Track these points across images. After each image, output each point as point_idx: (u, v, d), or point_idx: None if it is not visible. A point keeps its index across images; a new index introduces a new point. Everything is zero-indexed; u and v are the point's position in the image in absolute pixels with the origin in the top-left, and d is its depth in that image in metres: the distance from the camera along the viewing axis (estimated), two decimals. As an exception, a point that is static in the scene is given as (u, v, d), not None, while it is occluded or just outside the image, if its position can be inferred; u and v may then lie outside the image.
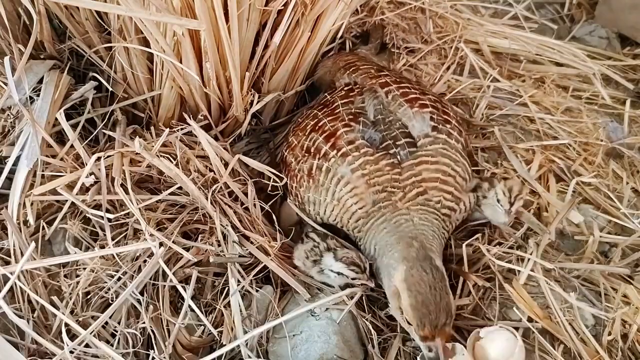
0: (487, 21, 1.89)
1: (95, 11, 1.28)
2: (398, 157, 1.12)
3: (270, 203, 1.27)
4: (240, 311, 1.08)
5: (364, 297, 1.15)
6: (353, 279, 1.11)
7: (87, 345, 1.01)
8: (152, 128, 1.35)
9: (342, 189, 1.13)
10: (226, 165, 1.24)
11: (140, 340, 1.08)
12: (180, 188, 1.21)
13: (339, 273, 1.11)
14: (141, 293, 1.09)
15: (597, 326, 1.15)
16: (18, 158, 1.17)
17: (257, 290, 1.14)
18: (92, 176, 1.15)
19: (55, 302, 1.07)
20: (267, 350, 1.10)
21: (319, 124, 1.21)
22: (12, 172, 1.17)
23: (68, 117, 1.24)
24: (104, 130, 1.30)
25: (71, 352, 0.98)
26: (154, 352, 1.04)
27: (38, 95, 1.23)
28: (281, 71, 1.37)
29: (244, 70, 1.28)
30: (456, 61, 1.71)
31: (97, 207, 1.14)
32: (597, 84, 1.72)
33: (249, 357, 1.05)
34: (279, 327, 1.09)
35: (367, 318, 1.13)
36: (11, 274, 1.02)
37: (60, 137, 1.26)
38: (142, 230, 1.12)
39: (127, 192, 1.15)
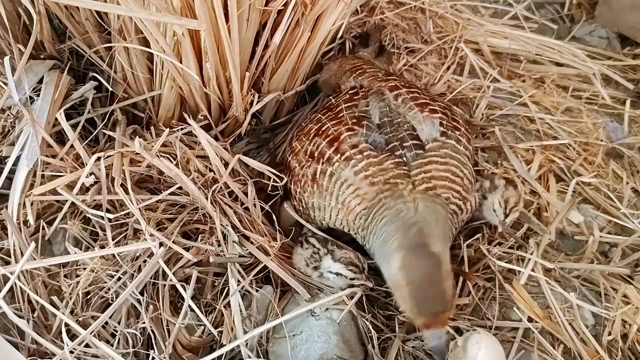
0: (487, 21, 1.89)
1: (95, 11, 1.28)
2: (404, 158, 1.10)
3: (270, 203, 1.27)
4: (240, 311, 1.08)
5: (364, 297, 1.15)
6: (352, 279, 1.11)
7: (87, 345, 1.01)
8: (152, 128, 1.35)
9: (345, 191, 1.11)
10: (226, 165, 1.24)
11: (140, 340, 1.08)
12: (180, 188, 1.21)
13: (337, 274, 1.11)
14: (141, 293, 1.09)
15: (597, 326, 1.15)
16: (18, 158, 1.17)
17: (257, 290, 1.14)
18: (92, 176, 1.15)
19: (55, 302, 1.07)
20: (267, 350, 1.10)
21: (323, 129, 1.20)
22: (12, 172, 1.17)
23: (68, 117, 1.24)
24: (104, 130, 1.30)
25: (71, 352, 0.98)
26: (154, 352, 1.04)
27: (38, 95, 1.23)
28: (281, 71, 1.37)
29: (244, 70, 1.28)
30: (456, 61, 1.71)
31: (97, 207, 1.14)
32: (597, 84, 1.72)
33: (249, 357, 1.05)
34: (279, 327, 1.09)
35: (367, 318, 1.13)
36: (11, 274, 1.02)
37: (60, 137, 1.26)
38: (142, 230, 1.12)
39: (127, 192, 1.15)
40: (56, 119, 1.20)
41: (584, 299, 1.17)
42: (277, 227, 1.24)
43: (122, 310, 1.08)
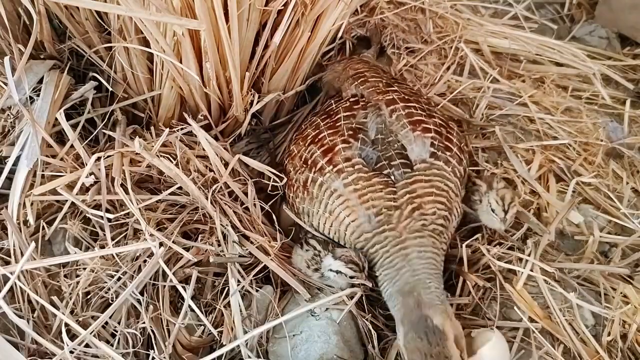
0: (487, 21, 1.89)
1: (95, 11, 1.28)
2: (392, 177, 1.13)
3: (270, 203, 1.27)
4: (240, 311, 1.08)
5: (364, 297, 1.15)
6: (351, 277, 1.11)
7: (87, 345, 1.01)
8: (152, 128, 1.35)
9: (335, 201, 1.14)
10: (226, 165, 1.24)
11: (140, 340, 1.08)
12: (180, 188, 1.21)
13: (337, 272, 1.11)
14: (141, 293, 1.09)
15: (597, 326, 1.15)
16: (18, 158, 1.17)
17: (257, 290, 1.14)
18: (92, 176, 1.15)
19: (55, 302, 1.07)
20: (267, 350, 1.10)
21: (319, 137, 1.21)
22: (12, 172, 1.17)
23: (68, 117, 1.24)
24: (104, 130, 1.30)
25: (71, 352, 0.98)
26: (154, 352, 1.04)
27: (38, 95, 1.23)
28: (281, 71, 1.37)
29: (244, 70, 1.28)
30: (456, 61, 1.71)
31: (97, 207, 1.14)
32: (597, 84, 1.72)
33: (249, 357, 1.05)
34: (279, 327, 1.09)
35: (367, 318, 1.13)
36: (11, 274, 1.02)
37: (60, 137, 1.26)
38: (142, 230, 1.12)
39: (127, 192, 1.15)
40: (56, 119, 1.20)
41: (583, 299, 1.17)
42: (277, 227, 1.24)
43: (122, 310, 1.08)
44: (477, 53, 1.75)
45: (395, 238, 1.09)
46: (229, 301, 1.10)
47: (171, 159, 1.20)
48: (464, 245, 1.22)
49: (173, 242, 1.12)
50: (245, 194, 1.24)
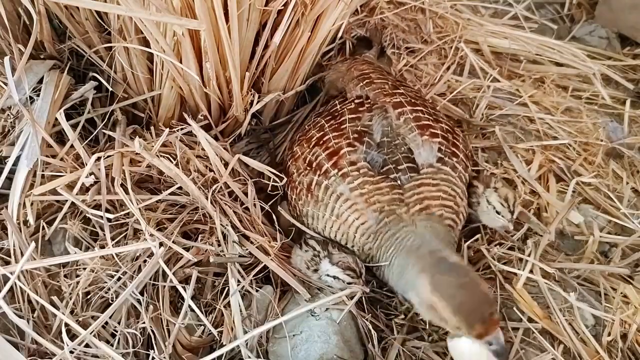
0: (487, 21, 1.89)
1: (95, 11, 1.28)
2: (398, 181, 1.13)
3: (270, 203, 1.27)
4: (240, 311, 1.08)
5: (364, 297, 1.15)
6: (349, 283, 1.11)
7: (87, 345, 1.01)
8: (152, 128, 1.35)
9: (342, 205, 1.13)
10: (226, 165, 1.24)
11: (140, 340, 1.08)
12: (180, 188, 1.21)
13: (335, 277, 1.11)
14: (141, 293, 1.09)
15: (597, 326, 1.15)
16: (18, 158, 1.17)
17: (257, 290, 1.14)
18: (92, 176, 1.15)
19: (55, 302, 1.07)
20: (267, 350, 1.10)
21: (324, 139, 1.21)
22: (12, 172, 1.17)
23: (68, 117, 1.24)
24: (104, 130, 1.30)
25: (71, 352, 0.98)
26: (154, 352, 1.04)
27: (38, 95, 1.23)
28: (281, 71, 1.37)
29: (244, 70, 1.28)
30: (456, 61, 1.71)
31: (97, 207, 1.14)
32: (597, 84, 1.72)
33: (249, 357, 1.05)
34: (279, 327, 1.09)
35: (367, 318, 1.13)
36: (11, 274, 1.02)
37: (60, 137, 1.26)
38: (142, 230, 1.12)
39: (127, 192, 1.15)
40: (56, 119, 1.20)
41: (583, 299, 1.17)
42: (277, 227, 1.24)
43: (122, 310, 1.08)
44: (477, 53, 1.75)
45: (405, 227, 1.09)
46: (229, 301, 1.10)
47: (171, 159, 1.20)
48: (464, 245, 1.22)
49: (173, 242, 1.12)
50: (245, 194, 1.24)
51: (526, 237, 1.28)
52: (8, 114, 1.23)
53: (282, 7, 1.22)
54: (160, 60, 1.24)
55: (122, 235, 1.17)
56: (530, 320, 1.13)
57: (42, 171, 1.17)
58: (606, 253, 1.31)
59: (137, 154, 1.21)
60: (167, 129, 1.25)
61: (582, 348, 1.09)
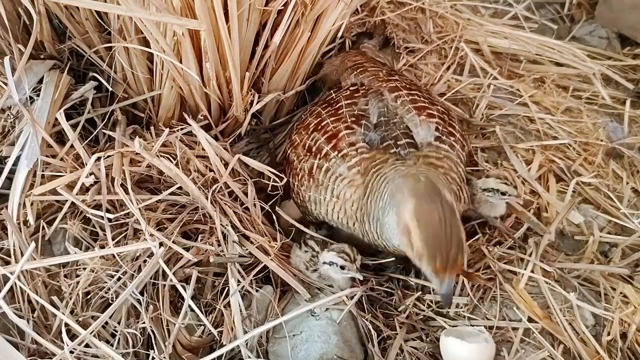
0: (487, 21, 1.89)
1: (95, 11, 1.28)
2: (397, 156, 1.13)
3: (270, 203, 1.27)
4: (240, 311, 1.08)
5: (363, 297, 1.15)
6: (342, 267, 1.10)
7: (87, 345, 1.01)
8: (152, 128, 1.35)
9: (340, 184, 1.14)
10: (226, 165, 1.24)
11: (140, 340, 1.08)
12: (180, 188, 1.21)
13: (330, 262, 1.11)
14: (141, 293, 1.09)
15: (597, 326, 1.15)
16: (18, 158, 1.17)
17: (257, 290, 1.14)
18: (92, 176, 1.15)
19: (55, 302, 1.07)
20: (267, 350, 1.10)
21: (322, 124, 1.22)
22: (12, 172, 1.17)
23: (68, 117, 1.24)
24: (104, 130, 1.30)
25: (71, 352, 0.98)
26: (154, 352, 1.04)
27: (38, 95, 1.23)
28: (281, 71, 1.37)
29: (244, 70, 1.28)
30: (456, 61, 1.71)
31: (97, 207, 1.14)
32: (597, 84, 1.72)
33: (249, 357, 1.05)
34: (279, 327, 1.09)
35: (367, 318, 1.13)
36: (11, 274, 1.02)
37: (60, 137, 1.26)
38: (142, 230, 1.12)
39: (127, 192, 1.15)
40: (56, 119, 1.20)
41: (583, 299, 1.16)
42: (277, 227, 1.24)
43: (122, 310, 1.08)
44: (477, 53, 1.75)
45: (403, 163, 1.09)
46: (229, 301, 1.10)
47: (171, 159, 1.20)
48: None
49: (173, 242, 1.12)
50: (245, 194, 1.24)
51: (526, 237, 1.28)
52: (8, 114, 1.23)
53: (282, 7, 1.22)
54: (160, 60, 1.24)
55: (122, 235, 1.17)
56: (530, 320, 1.13)
57: (42, 171, 1.17)
58: (606, 253, 1.31)
59: (137, 154, 1.21)
60: (167, 129, 1.25)
61: (582, 348, 1.09)
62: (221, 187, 1.22)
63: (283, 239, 1.21)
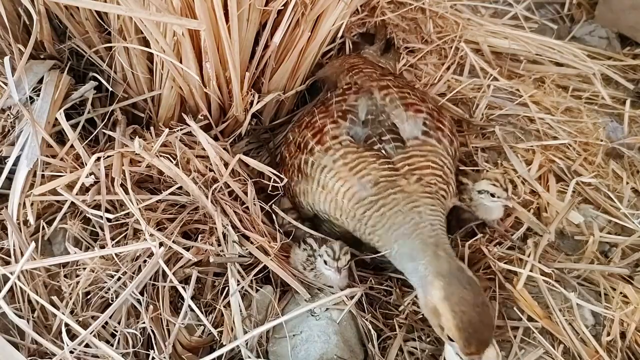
0: (487, 21, 1.89)
1: (95, 11, 1.28)
2: (383, 151, 1.15)
3: (270, 203, 1.27)
4: (240, 311, 1.08)
5: (363, 297, 1.15)
6: (325, 262, 1.10)
7: (87, 345, 1.01)
8: (152, 128, 1.35)
9: (327, 175, 1.16)
10: (226, 165, 1.24)
11: (140, 340, 1.08)
12: (180, 188, 1.21)
13: (320, 255, 1.11)
14: (141, 293, 1.09)
15: (597, 326, 1.15)
16: (18, 158, 1.17)
17: (257, 290, 1.13)
18: (92, 176, 1.15)
19: (55, 302, 1.07)
20: (267, 350, 1.10)
21: (312, 121, 1.25)
22: (12, 172, 1.17)
23: (68, 117, 1.24)
24: (103, 130, 1.30)
25: (71, 352, 0.98)
26: (154, 352, 1.04)
27: (38, 95, 1.23)
28: (281, 71, 1.37)
29: (244, 70, 1.28)
30: (456, 61, 1.71)
31: (97, 207, 1.14)
32: (597, 84, 1.72)
33: (249, 357, 1.05)
34: (279, 327, 1.09)
35: (367, 318, 1.13)
36: (11, 274, 1.02)
37: (60, 137, 1.26)
38: (142, 230, 1.12)
39: (127, 192, 1.15)
40: (56, 119, 1.20)
41: (583, 299, 1.16)
42: (277, 227, 1.24)
43: (122, 310, 1.08)
44: (477, 53, 1.75)
45: (406, 198, 1.10)
46: (229, 301, 1.10)
47: (171, 159, 1.20)
48: (466, 246, 1.22)
49: (173, 242, 1.12)
50: (245, 193, 1.24)
51: (526, 237, 1.28)
52: (8, 114, 1.23)
53: (282, 7, 1.22)
54: (160, 60, 1.24)
55: (122, 235, 1.17)
56: (530, 319, 1.13)
57: (42, 171, 1.17)
58: (606, 253, 1.31)
59: (137, 154, 1.21)
60: (167, 129, 1.25)
61: (582, 348, 1.09)
62: (221, 187, 1.22)
63: (283, 239, 1.21)
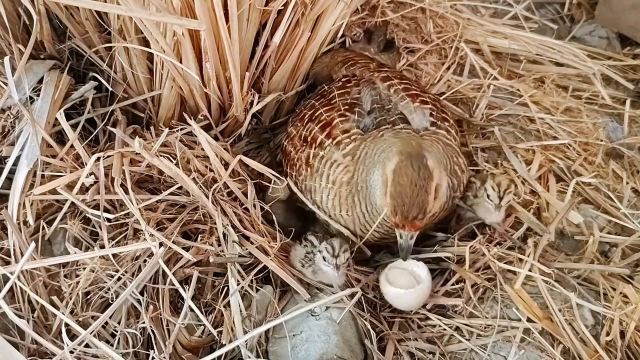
0: (487, 21, 1.89)
1: (95, 11, 1.28)
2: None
3: (270, 204, 1.27)
4: (240, 311, 1.08)
5: (363, 297, 1.15)
6: (324, 258, 1.10)
7: (87, 345, 1.01)
8: (152, 128, 1.35)
9: (335, 170, 1.17)
10: (226, 165, 1.24)
11: (140, 340, 1.08)
12: (180, 188, 1.21)
13: (319, 251, 1.12)
14: (141, 293, 1.09)
15: (596, 326, 1.15)
16: (18, 158, 1.17)
17: (257, 290, 1.14)
18: (92, 176, 1.15)
19: (55, 302, 1.07)
20: (267, 350, 1.10)
21: (316, 114, 1.25)
22: (12, 172, 1.17)
23: (68, 117, 1.24)
24: (104, 129, 1.30)
25: (71, 352, 0.98)
26: (154, 352, 1.04)
27: (38, 95, 1.23)
28: (281, 71, 1.37)
29: (244, 70, 1.28)
30: (456, 61, 1.71)
31: (97, 207, 1.14)
32: (597, 84, 1.72)
33: (249, 357, 1.05)
34: (279, 327, 1.09)
35: (366, 318, 1.13)
36: (11, 274, 1.02)
37: (60, 137, 1.26)
38: (142, 230, 1.12)
39: (127, 192, 1.15)
40: (56, 119, 1.20)
41: (583, 299, 1.16)
42: (277, 227, 1.24)
43: (122, 310, 1.08)
44: (477, 53, 1.75)
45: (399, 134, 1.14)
46: (228, 301, 1.10)
47: (171, 158, 1.20)
48: (467, 246, 1.22)
49: (173, 242, 1.12)
50: (245, 194, 1.24)
51: (526, 237, 1.28)
52: (8, 114, 1.23)
53: (282, 7, 1.23)
54: (160, 60, 1.24)
55: (122, 235, 1.17)
56: (529, 320, 1.13)
57: (42, 171, 1.17)
58: (606, 253, 1.31)
59: (137, 153, 1.21)
60: (167, 129, 1.25)
61: (582, 348, 1.09)
62: (221, 188, 1.22)
63: (283, 239, 1.21)
